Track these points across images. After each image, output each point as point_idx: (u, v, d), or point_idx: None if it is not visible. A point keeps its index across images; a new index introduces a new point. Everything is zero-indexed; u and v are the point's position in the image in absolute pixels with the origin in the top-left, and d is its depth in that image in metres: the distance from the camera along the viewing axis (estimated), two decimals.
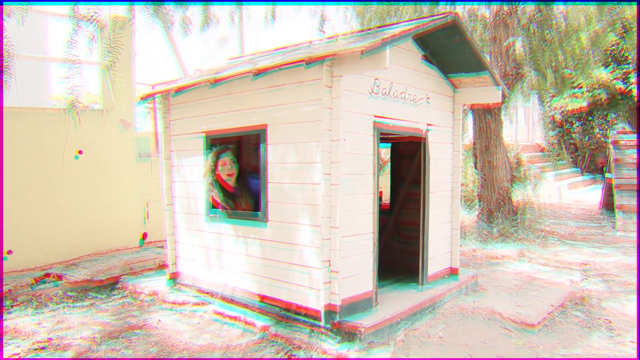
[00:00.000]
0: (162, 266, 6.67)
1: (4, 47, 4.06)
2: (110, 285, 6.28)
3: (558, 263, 7.12)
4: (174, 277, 5.77)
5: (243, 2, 5.86)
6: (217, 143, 5.28)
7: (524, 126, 22.46)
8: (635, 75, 15.99)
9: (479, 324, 4.68)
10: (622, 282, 6.24)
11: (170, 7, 5.86)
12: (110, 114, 7.31)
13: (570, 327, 4.75)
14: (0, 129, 6.11)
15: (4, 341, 4.51)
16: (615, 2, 8.75)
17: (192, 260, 5.54)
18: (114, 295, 5.97)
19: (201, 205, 5.32)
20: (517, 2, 8.61)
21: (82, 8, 4.37)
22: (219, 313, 4.95)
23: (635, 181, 10.32)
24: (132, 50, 7.62)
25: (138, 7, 5.15)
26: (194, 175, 5.39)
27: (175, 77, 8.01)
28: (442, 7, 9.93)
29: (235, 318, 4.77)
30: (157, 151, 5.74)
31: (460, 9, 10.27)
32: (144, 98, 5.74)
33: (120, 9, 4.87)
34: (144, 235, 7.68)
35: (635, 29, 10.25)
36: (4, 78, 4.11)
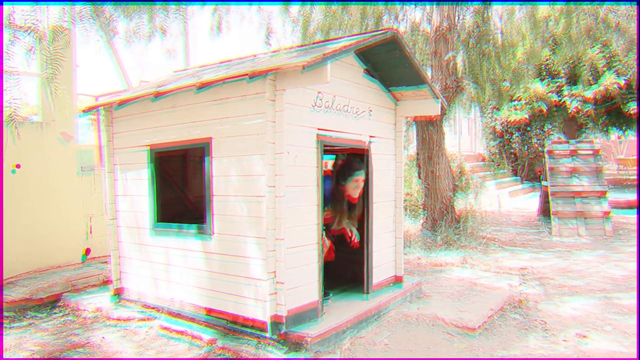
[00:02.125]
0: (106, 282, 6.51)
1: None
2: (51, 303, 6.08)
3: (498, 269, 7.40)
4: (119, 293, 5.65)
5: (183, 2, 5.85)
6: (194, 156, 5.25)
7: (468, 137, 23.18)
8: (567, 88, 16.84)
9: (423, 330, 4.81)
10: (557, 285, 6.55)
11: (112, 17, 5.80)
12: (50, 126, 7.12)
13: (508, 330, 4.95)
14: (0, 135, 5.86)
15: None
16: (616, 2, 9.11)
17: (137, 275, 5.45)
18: (54, 313, 5.79)
19: (146, 219, 5.26)
20: (457, 2, 8.91)
21: (19, 17, 4.26)
22: (165, 328, 4.89)
23: (568, 188, 10.85)
24: (73, 61, 7.46)
25: (79, 17, 5.07)
26: (138, 189, 5.33)
27: (119, 89, 7.89)
28: (386, 21, 10.22)
29: (181, 332, 4.73)
30: (101, 164, 5.64)
31: (403, 24, 10.60)
32: (86, 111, 5.64)
33: (61, 19, 4.78)
34: (87, 251, 7.49)
35: (564, 44, 10.80)
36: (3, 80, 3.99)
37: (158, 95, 4.66)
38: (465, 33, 9.56)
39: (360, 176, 5.01)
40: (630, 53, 10.68)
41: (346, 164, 5.18)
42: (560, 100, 17.18)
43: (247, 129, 4.26)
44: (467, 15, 9.79)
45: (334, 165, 5.41)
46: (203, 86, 4.30)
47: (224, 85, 4.34)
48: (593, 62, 14.01)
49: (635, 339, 4.61)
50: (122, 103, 5.11)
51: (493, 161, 20.87)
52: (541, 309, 5.57)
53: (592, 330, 4.86)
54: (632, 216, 12.74)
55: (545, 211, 12.05)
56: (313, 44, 5.34)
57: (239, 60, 5.60)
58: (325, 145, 4.70)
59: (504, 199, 15.89)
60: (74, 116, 7.40)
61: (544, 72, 17.25)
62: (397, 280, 5.69)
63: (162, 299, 5.14)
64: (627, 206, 13.28)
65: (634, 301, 5.73)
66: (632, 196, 15.47)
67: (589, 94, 16.32)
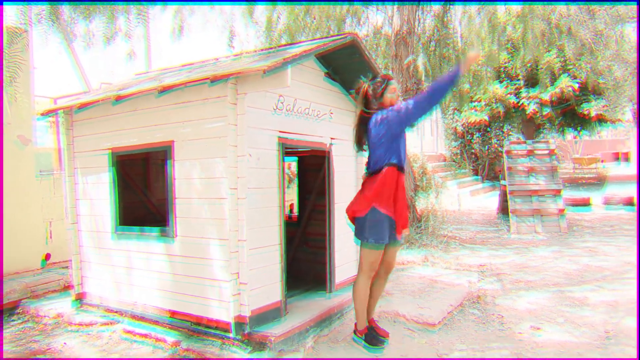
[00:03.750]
0: (68, 287, 6.42)
1: None
2: (9, 310, 5.96)
3: (459, 266, 7.60)
4: (81, 298, 5.60)
5: (145, 3, 5.84)
6: (123, 160, 5.23)
7: (430, 137, 23.60)
8: (525, 90, 17.36)
9: (385, 326, 4.91)
10: (514, 280, 6.77)
11: (71, 19, 5.74)
12: (7, 129, 6.98)
13: (467, 324, 5.11)
14: (0, 132, 5.68)
15: None
16: (616, 3, 9.35)
17: (99, 279, 5.41)
18: (12, 320, 5.69)
19: (107, 222, 5.23)
20: (418, 2, 9.09)
21: None
22: (128, 332, 4.87)
23: (526, 187, 11.20)
24: (30, 63, 7.33)
25: (37, 18, 5.01)
26: (99, 193, 5.30)
27: (79, 91, 7.79)
28: (349, 25, 10.36)
29: (145, 335, 4.73)
30: (60, 168, 5.58)
31: (365, 28, 10.76)
32: (45, 114, 5.57)
33: (18, 20, 4.72)
34: (47, 256, 7.36)
35: (522, 48, 11.15)
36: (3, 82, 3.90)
37: (119, 99, 4.66)
38: (426, 37, 9.81)
39: (394, 83, 4.18)
40: (582, 57, 11.09)
41: (374, 83, 4.18)
42: (519, 102, 17.71)
43: (209, 132, 4.30)
44: (427, 19, 10.03)
45: (363, 96, 4.20)
46: (164, 90, 4.33)
47: (186, 89, 4.38)
48: (550, 65, 14.51)
49: (585, 329, 4.83)
50: (83, 106, 5.08)
51: (454, 161, 21.33)
52: (498, 303, 5.75)
53: (545, 323, 5.06)
54: (586, 213, 13.21)
55: (504, 209, 12.39)
56: (275, 47, 5.41)
57: (201, 64, 5.62)
58: (286, 148, 4.77)
59: (465, 198, 16.26)
60: (32, 119, 7.27)
61: (503, 75, 17.76)
62: None
63: (125, 302, 5.12)
64: (582, 203, 13.77)
65: (585, 294, 5.98)
66: (585, 194, 16.04)
67: (546, 96, 16.88)
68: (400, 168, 4.02)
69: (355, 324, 4.39)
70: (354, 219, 4.15)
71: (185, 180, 4.50)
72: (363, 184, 4.18)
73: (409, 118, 3.87)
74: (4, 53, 4.34)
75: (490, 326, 5.04)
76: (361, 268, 4.19)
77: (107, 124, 5.15)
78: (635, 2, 9.05)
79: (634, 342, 4.45)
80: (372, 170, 4.06)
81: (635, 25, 9.59)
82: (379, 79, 4.18)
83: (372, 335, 4.33)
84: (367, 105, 4.14)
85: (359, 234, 4.08)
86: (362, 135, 4.22)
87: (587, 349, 4.33)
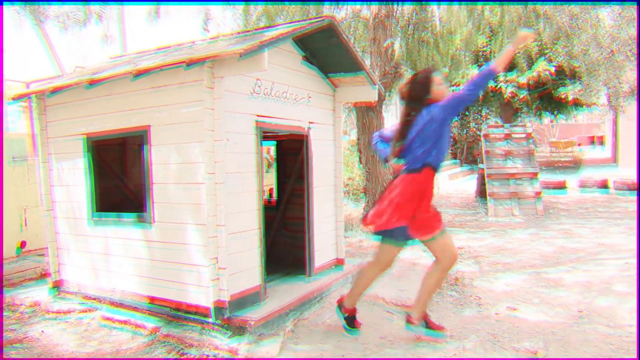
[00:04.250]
0: (44, 275, 6.34)
1: None
2: None
3: None
4: (58, 286, 5.54)
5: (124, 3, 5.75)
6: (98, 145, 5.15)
7: None
8: (502, 74, 17.46)
9: (364, 310, 4.96)
10: (491, 263, 6.88)
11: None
12: None
13: (445, 306, 5.18)
14: (0, 132, 5.52)
15: None
16: (617, 3, 9.37)
17: (77, 266, 5.35)
18: None
19: (83, 209, 5.16)
20: (395, 2, 9.08)
21: None
22: (107, 318, 4.84)
23: (503, 170, 11.33)
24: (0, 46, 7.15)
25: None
26: (75, 179, 5.22)
27: (52, 76, 7.62)
28: (327, 8, 10.27)
29: (124, 322, 4.71)
30: (34, 154, 5.47)
31: (344, 11, 10.68)
32: (16, 98, 5.44)
33: None
34: (22, 244, 7.24)
35: (499, 32, 11.21)
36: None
37: (93, 83, 4.57)
38: (404, 20, 9.77)
39: (438, 74, 3.96)
40: (559, 41, 11.20)
41: (416, 80, 3.95)
42: (497, 85, 17.84)
43: (186, 116, 4.25)
44: (405, 3, 9.98)
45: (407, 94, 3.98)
46: (140, 73, 4.26)
47: (162, 73, 4.31)
48: (527, 49, 14.61)
49: (559, 309, 4.93)
50: (56, 90, 4.98)
51: None
52: (476, 285, 5.84)
53: (521, 303, 5.15)
54: (562, 196, 13.44)
55: (482, 193, 12.52)
56: (252, 30, 5.35)
57: (177, 47, 5.54)
58: (264, 132, 4.75)
59: (443, 182, 16.39)
60: (3, 103, 7.11)
61: (481, 59, 17.83)
62: (339, 262, 5.84)
63: (103, 289, 5.08)
64: (558, 186, 13.99)
65: (560, 275, 6.10)
66: (562, 177, 16.29)
67: (523, 79, 17.03)
68: (436, 169, 3.89)
69: (343, 297, 4.46)
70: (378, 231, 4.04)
71: (162, 166, 4.46)
72: (395, 185, 3.94)
73: (463, 101, 3.74)
74: None
75: (467, 307, 5.12)
76: (378, 260, 4.19)
77: (81, 108, 5.06)
78: (635, 2, 9.13)
79: (606, 321, 4.56)
80: (411, 168, 3.86)
81: (609, 9, 9.69)
82: (420, 75, 3.95)
83: (351, 319, 4.40)
84: (416, 103, 3.90)
85: (382, 233, 4.01)
86: (407, 133, 3.93)
87: (561, 328, 4.43)
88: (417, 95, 3.88)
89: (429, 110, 3.80)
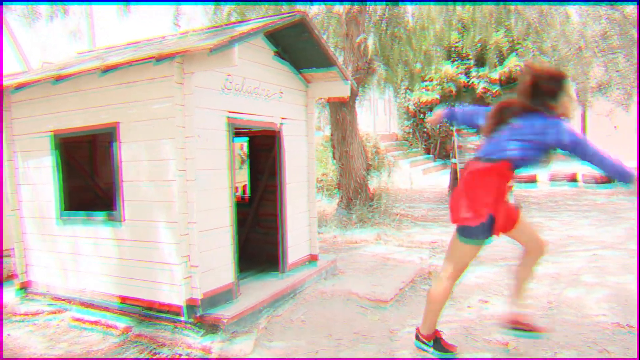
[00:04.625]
0: (11, 276, 6.18)
1: None
2: None
3: (411, 243, 7.74)
4: (25, 287, 5.41)
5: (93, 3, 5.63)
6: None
7: (384, 117, 23.75)
8: (475, 70, 17.68)
9: (338, 305, 4.98)
10: None
11: None
12: None
13: (418, 300, 5.22)
14: (0, 129, 5.31)
15: None
16: (618, 3, 9.44)
17: (45, 267, 5.24)
18: None
19: (51, 208, 5.05)
20: (366, 2, 9.11)
21: None
22: (77, 319, 4.75)
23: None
24: None
25: None
26: (42, 177, 5.10)
27: (17, 71, 7.43)
28: (301, 5, 10.23)
29: (95, 322, 4.63)
30: None
31: (316, 6, 10.65)
32: None
33: None
34: None
35: (471, 28, 11.32)
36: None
37: (60, 79, 4.46)
38: (377, 15, 9.79)
39: (569, 83, 3.51)
40: (529, 37, 11.37)
41: (549, 78, 3.43)
42: (469, 81, 18.03)
43: (156, 112, 4.19)
44: (377, 2, 10.01)
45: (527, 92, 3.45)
46: (108, 69, 4.17)
47: (131, 68, 4.23)
48: (498, 45, 14.82)
49: (530, 300, 4.99)
50: (21, 86, 4.84)
51: (407, 140, 21.60)
52: None
53: (493, 296, 5.23)
54: (532, 189, 13.68)
55: (454, 187, 12.62)
56: (222, 26, 5.30)
57: (147, 42, 5.45)
58: (236, 128, 4.71)
59: (417, 177, 16.52)
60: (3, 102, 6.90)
61: (454, 55, 18.01)
62: (313, 258, 5.84)
63: (73, 289, 4.99)
64: (529, 180, 14.23)
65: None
66: (532, 171, 16.53)
67: (495, 75, 17.25)
68: (516, 169, 3.46)
69: (418, 328, 3.79)
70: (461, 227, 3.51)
71: (133, 163, 4.38)
72: (473, 177, 3.48)
73: (579, 155, 3.24)
74: None
75: None
76: (452, 266, 3.61)
77: (48, 105, 4.94)
78: (636, 2, 9.26)
79: (574, 312, 4.65)
80: (491, 158, 3.40)
81: (576, 7, 9.87)
82: (555, 74, 3.44)
83: (439, 343, 3.76)
84: (537, 100, 3.38)
85: (462, 231, 3.50)
86: (499, 126, 3.48)
87: (531, 319, 4.50)
88: (547, 92, 3.37)
89: (547, 124, 3.29)
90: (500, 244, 7.53)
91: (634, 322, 4.30)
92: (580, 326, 4.30)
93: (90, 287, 4.84)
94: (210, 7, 9.47)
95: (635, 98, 11.11)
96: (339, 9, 10.45)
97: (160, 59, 3.90)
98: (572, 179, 13.90)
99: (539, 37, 10.66)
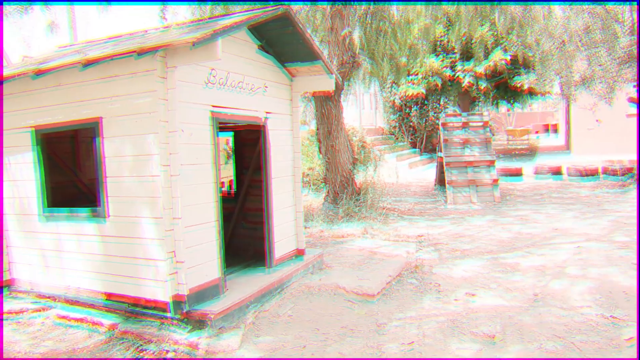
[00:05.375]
0: None
1: None
2: None
3: (397, 237, 7.76)
4: (8, 285, 5.34)
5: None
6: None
7: (370, 111, 23.79)
8: (460, 63, 17.75)
9: (325, 299, 4.98)
10: (450, 249, 7.00)
11: None
12: None
13: (405, 294, 5.24)
14: (0, 127, 5.18)
15: None
16: (618, 3, 9.44)
17: (28, 264, 5.17)
18: None
19: (34, 204, 4.98)
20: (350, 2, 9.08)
21: None
22: (62, 317, 4.70)
23: (461, 159, 11.52)
24: None
25: None
26: (23, 174, 5.02)
27: None
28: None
29: (80, 320, 4.58)
30: None
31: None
32: None
33: None
34: None
35: (456, 22, 11.34)
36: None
37: (40, 73, 4.39)
38: (362, 9, 9.77)
39: None
40: (513, 31, 11.41)
41: None
42: (454, 75, 18.10)
43: (139, 107, 4.14)
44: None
45: None
46: (89, 63, 4.11)
47: (113, 63, 4.18)
48: (483, 39, 14.85)
49: (516, 293, 5.05)
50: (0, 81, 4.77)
51: (393, 134, 21.66)
52: (435, 272, 5.93)
53: (479, 289, 5.26)
54: (518, 183, 13.77)
55: (441, 181, 12.71)
56: (206, 19, 5.25)
57: (129, 36, 5.38)
58: (220, 122, 4.67)
59: (404, 171, 16.58)
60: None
61: (439, 48, 18.06)
62: (299, 253, 5.83)
63: (58, 287, 4.93)
64: (514, 173, 14.33)
65: (517, 260, 6.25)
66: (518, 164, 16.69)
67: (480, 69, 17.35)
68: None
69: None
70: None
71: (116, 158, 4.33)
72: None
73: None
74: None
75: (427, 294, 5.19)
76: None
77: (28, 100, 4.86)
78: (636, 2, 9.30)
79: (559, 303, 4.70)
80: None
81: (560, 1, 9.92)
82: None
83: None
84: None
85: None
86: None
87: (518, 311, 4.54)
88: None
89: None
90: (486, 238, 7.61)
91: (618, 313, 4.36)
92: (565, 318, 4.34)
93: (75, 284, 4.79)
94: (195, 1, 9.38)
95: (617, 92, 11.21)
96: (324, 3, 10.43)
97: (142, 53, 3.85)
98: (557, 172, 14.03)
99: (523, 31, 10.71)
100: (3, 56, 8.28)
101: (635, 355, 3.64)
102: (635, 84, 11.58)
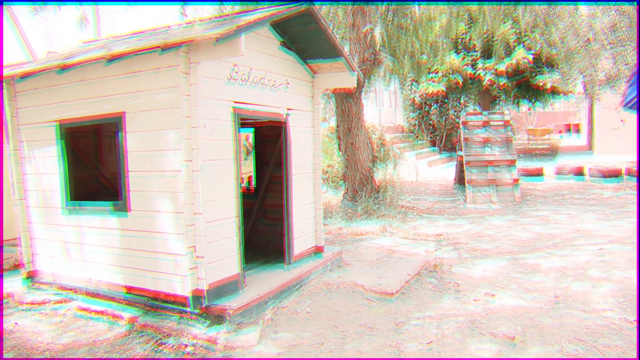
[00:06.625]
0: (18, 266, 6.21)
1: None
2: None
3: (416, 236, 7.72)
4: (32, 276, 5.43)
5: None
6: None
7: (390, 108, 23.68)
8: (481, 61, 17.56)
9: (343, 297, 4.97)
10: (470, 249, 6.93)
11: None
12: None
13: (424, 293, 5.21)
14: (0, 129, 5.31)
15: None
16: (616, 3, 9.35)
17: (51, 256, 5.25)
18: None
19: (57, 198, 5.05)
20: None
21: None
22: (83, 309, 4.76)
23: (481, 158, 11.40)
24: None
25: None
26: (48, 167, 5.09)
27: (22, 61, 7.41)
28: None
29: (101, 312, 4.64)
30: (5, 141, 5.32)
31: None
32: None
33: None
34: None
35: (479, 19, 11.23)
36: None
37: (65, 68, 4.44)
38: (384, 6, 9.72)
39: None
40: (537, 28, 11.26)
41: None
42: (475, 73, 17.91)
43: (162, 102, 4.17)
44: None
45: None
46: (113, 58, 4.15)
47: (136, 58, 4.21)
48: (505, 36, 14.68)
49: (536, 294, 4.99)
50: (26, 75, 4.83)
51: (412, 132, 21.53)
52: (455, 272, 5.88)
53: (499, 289, 5.21)
54: (538, 183, 13.61)
55: (460, 180, 12.61)
56: (229, 15, 5.26)
57: (152, 32, 5.42)
58: (241, 119, 4.68)
59: (423, 169, 16.47)
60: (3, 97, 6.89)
61: (460, 46, 17.87)
62: (318, 250, 5.82)
63: (79, 279, 4.99)
64: (535, 173, 14.16)
65: (537, 260, 6.18)
66: (539, 164, 16.48)
67: (502, 67, 17.12)
68: None
69: None
70: None
71: (138, 153, 4.37)
72: None
73: None
74: None
75: (446, 294, 5.15)
76: None
77: (53, 94, 4.92)
78: (636, 2, 9.15)
79: (581, 306, 4.63)
80: None
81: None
82: None
83: None
84: None
85: None
86: None
87: (538, 313, 4.48)
88: None
89: None
90: (506, 238, 7.53)
91: None
92: (587, 321, 4.28)
93: (96, 276, 4.85)
94: None
95: None
96: None
97: (165, 48, 3.87)
98: (579, 172, 13.81)
99: (547, 29, 10.56)
100: (3, 55, 8.38)
101: None
102: None
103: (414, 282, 5.49)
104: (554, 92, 19.17)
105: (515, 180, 10.97)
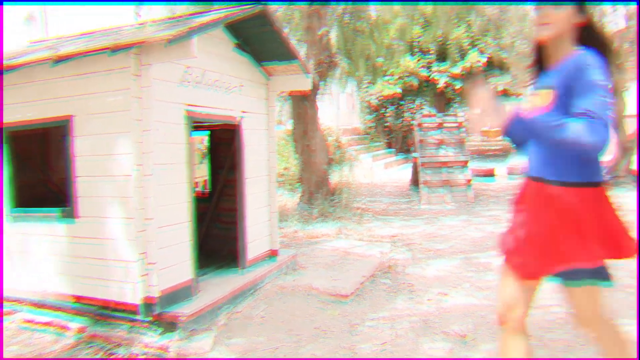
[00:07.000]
0: None
1: None
2: None
3: (371, 237, 7.79)
4: None
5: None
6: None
7: (346, 111, 23.83)
8: (436, 64, 17.91)
9: (298, 301, 4.96)
10: (424, 249, 7.04)
11: None
12: None
13: (379, 294, 5.25)
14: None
15: None
16: (616, 3, 9.46)
17: None
18: None
19: (0, 204, 4.85)
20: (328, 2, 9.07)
21: None
22: (28, 321, 4.58)
23: (436, 159, 11.61)
24: None
25: None
26: None
27: None
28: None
29: (47, 323, 4.47)
30: None
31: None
32: None
33: None
34: None
35: (433, 24, 11.43)
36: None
37: (9, 69, 4.28)
38: (340, 9, 9.78)
39: None
40: (489, 32, 11.56)
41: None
42: (430, 75, 18.26)
43: (112, 105, 4.07)
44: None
45: None
46: (60, 59, 4.01)
47: (86, 59, 4.08)
48: (459, 40, 15.03)
49: (487, 292, 5.11)
50: None
51: (369, 134, 21.75)
52: (409, 272, 5.96)
53: (452, 288, 5.30)
54: (491, 183, 13.95)
55: (415, 181, 12.79)
56: (182, 16, 5.18)
57: (103, 33, 5.28)
58: (195, 121, 4.62)
59: (379, 171, 16.65)
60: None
61: (416, 49, 18.18)
62: (273, 253, 5.80)
63: (24, 290, 4.79)
64: (487, 174, 14.51)
65: (489, 259, 6.31)
66: (491, 165, 16.89)
67: (456, 70, 17.52)
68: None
69: None
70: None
71: (87, 157, 4.25)
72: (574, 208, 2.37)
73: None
74: None
75: (400, 294, 5.21)
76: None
77: None
78: (636, 2, 9.37)
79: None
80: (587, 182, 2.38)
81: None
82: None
83: None
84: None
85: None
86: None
87: (489, 311, 4.58)
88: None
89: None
90: (459, 238, 7.68)
91: None
92: (534, 317, 4.38)
93: (42, 286, 4.67)
94: None
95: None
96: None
97: (116, 49, 3.78)
98: None
99: (499, 33, 10.86)
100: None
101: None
102: None
103: (369, 284, 5.53)
104: (507, 94, 19.73)
105: (468, 181, 11.22)
